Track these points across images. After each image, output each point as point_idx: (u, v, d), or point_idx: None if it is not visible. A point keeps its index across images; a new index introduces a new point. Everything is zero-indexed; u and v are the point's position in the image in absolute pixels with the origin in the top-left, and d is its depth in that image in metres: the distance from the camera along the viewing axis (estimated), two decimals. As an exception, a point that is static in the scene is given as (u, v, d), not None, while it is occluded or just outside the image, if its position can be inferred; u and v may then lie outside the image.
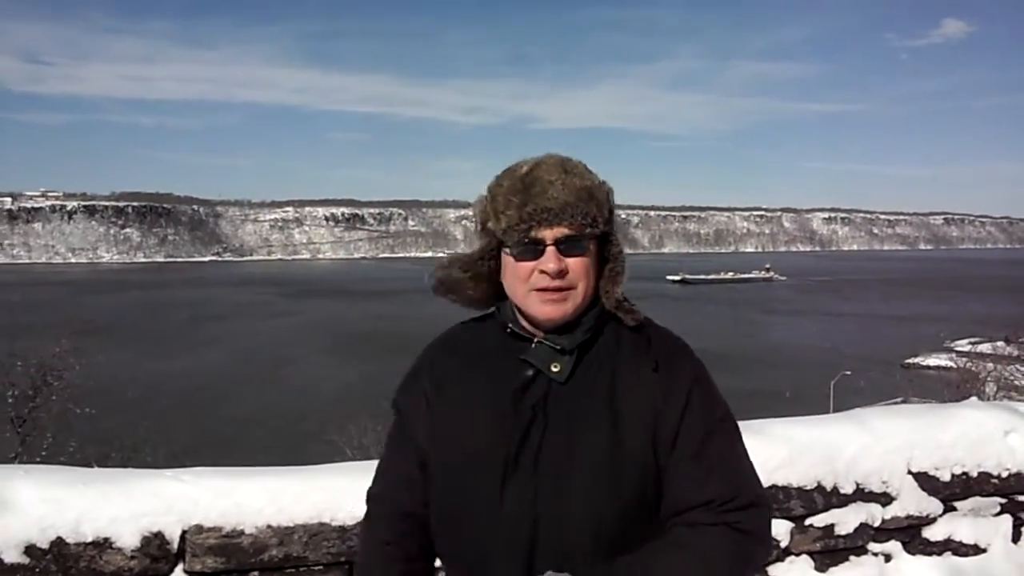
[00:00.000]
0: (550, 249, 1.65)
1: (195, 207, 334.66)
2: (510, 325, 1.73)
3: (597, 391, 1.67)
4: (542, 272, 1.65)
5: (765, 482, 3.88)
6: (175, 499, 3.08)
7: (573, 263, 1.66)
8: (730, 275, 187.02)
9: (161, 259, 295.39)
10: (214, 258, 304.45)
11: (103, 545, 2.93)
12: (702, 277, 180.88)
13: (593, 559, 1.61)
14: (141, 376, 54.42)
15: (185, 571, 3.06)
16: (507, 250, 1.69)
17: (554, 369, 1.68)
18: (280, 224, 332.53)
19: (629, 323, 1.72)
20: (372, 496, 1.90)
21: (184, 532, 3.05)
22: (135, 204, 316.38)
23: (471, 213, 1.76)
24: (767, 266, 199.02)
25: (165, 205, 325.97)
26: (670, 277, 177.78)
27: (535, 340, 1.70)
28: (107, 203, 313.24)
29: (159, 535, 3.01)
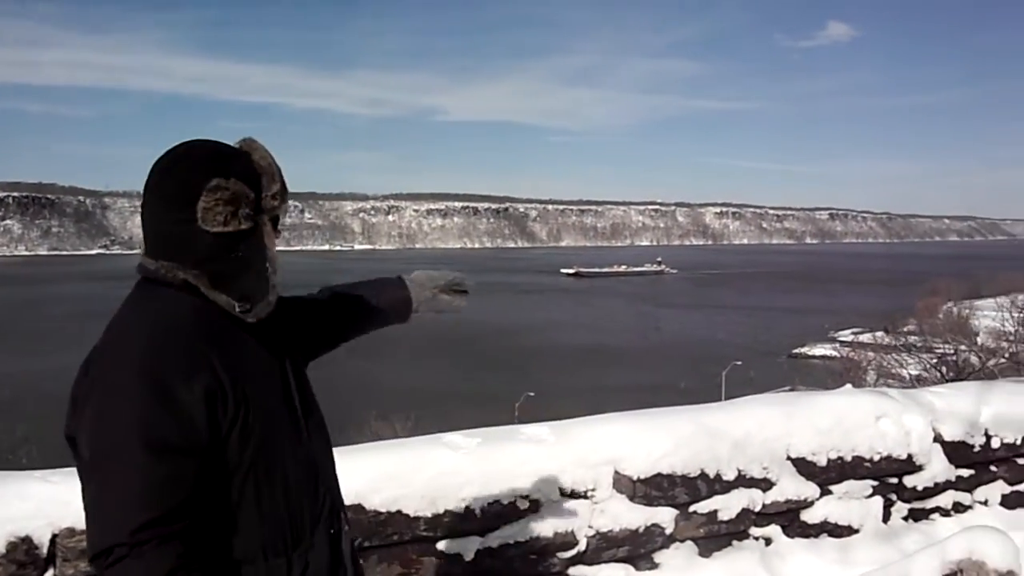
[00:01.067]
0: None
1: (81, 198, 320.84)
2: (246, 295, 1.79)
3: (280, 335, 1.92)
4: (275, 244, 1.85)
5: (651, 471, 3.98)
6: (44, 501, 2.95)
7: None
8: (623, 268, 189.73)
9: (44, 252, 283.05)
10: (102, 251, 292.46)
11: (-35, 552, 2.79)
12: (595, 270, 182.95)
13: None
14: (16, 376, 52.06)
15: (56, 576, 2.93)
16: (268, 227, 1.81)
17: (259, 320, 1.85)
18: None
19: None
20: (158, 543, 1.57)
21: (54, 536, 2.93)
22: (16, 195, 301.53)
23: (221, 195, 1.70)
24: (659, 259, 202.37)
25: (49, 196, 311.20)
26: (564, 270, 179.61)
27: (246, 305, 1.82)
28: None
29: (27, 540, 2.88)
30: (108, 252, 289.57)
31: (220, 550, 1.71)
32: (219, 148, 1.77)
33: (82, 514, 2.88)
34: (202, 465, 1.64)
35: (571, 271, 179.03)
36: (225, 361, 1.70)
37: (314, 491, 1.88)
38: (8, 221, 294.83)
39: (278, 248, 1.86)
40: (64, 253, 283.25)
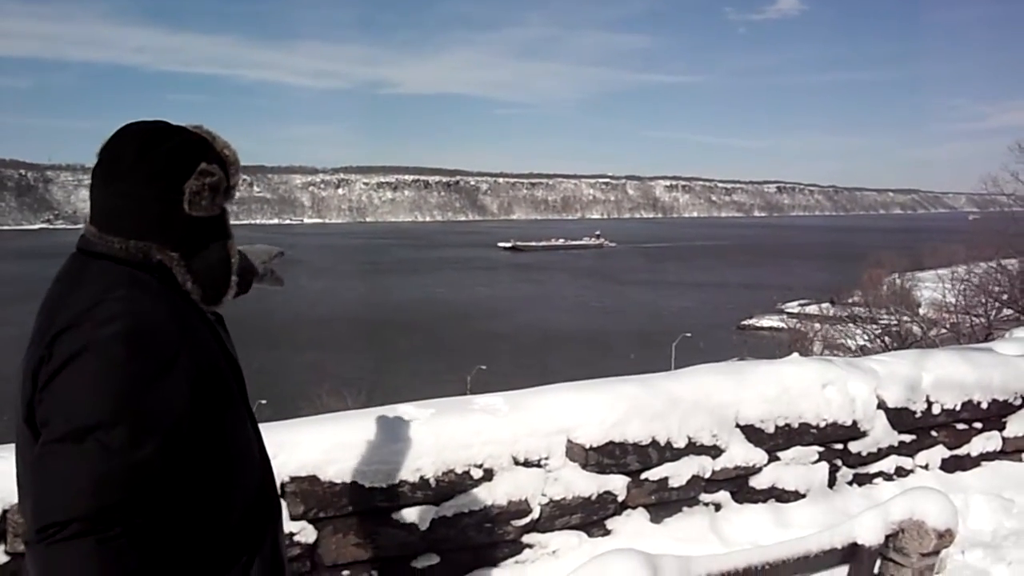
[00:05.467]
0: None
1: (23, 171, 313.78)
2: (212, 284, 1.79)
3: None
4: None
5: (603, 439, 4.02)
6: (-6, 477, 2.90)
7: None
8: (560, 241, 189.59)
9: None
10: (45, 226, 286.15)
11: (-88, 529, 2.74)
12: (532, 244, 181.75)
13: None
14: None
15: (7, 552, 2.90)
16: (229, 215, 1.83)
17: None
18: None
19: None
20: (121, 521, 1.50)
21: (5, 511, 2.89)
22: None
23: (208, 180, 1.70)
24: (597, 232, 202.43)
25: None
26: (501, 244, 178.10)
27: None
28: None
29: (-24, 515, 2.84)
30: (52, 227, 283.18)
31: (196, 541, 1.67)
32: (194, 132, 1.73)
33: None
34: (178, 451, 1.59)
35: (508, 245, 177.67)
36: (196, 345, 1.67)
37: (268, 468, 1.90)
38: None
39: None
40: (5, 228, 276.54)
